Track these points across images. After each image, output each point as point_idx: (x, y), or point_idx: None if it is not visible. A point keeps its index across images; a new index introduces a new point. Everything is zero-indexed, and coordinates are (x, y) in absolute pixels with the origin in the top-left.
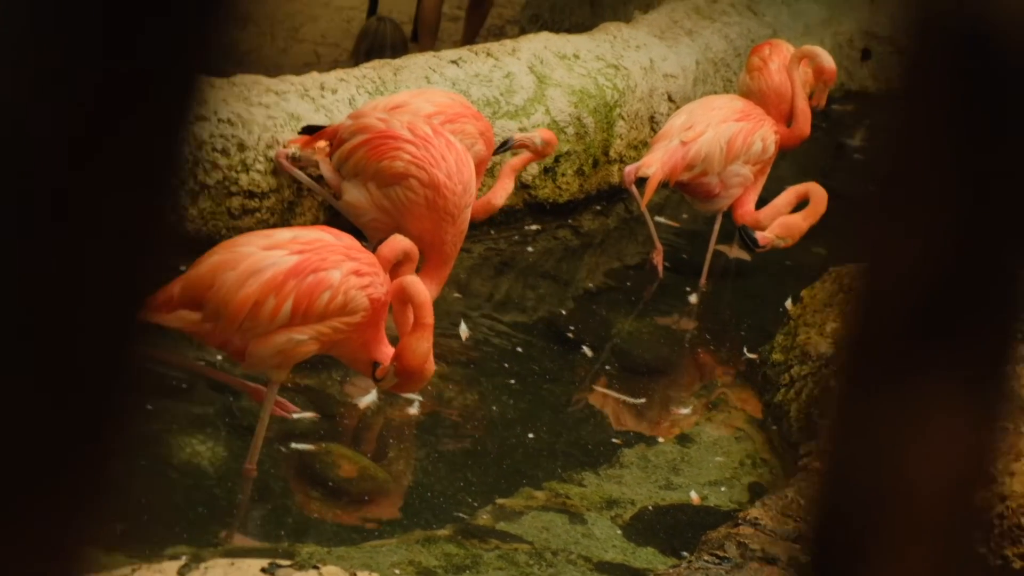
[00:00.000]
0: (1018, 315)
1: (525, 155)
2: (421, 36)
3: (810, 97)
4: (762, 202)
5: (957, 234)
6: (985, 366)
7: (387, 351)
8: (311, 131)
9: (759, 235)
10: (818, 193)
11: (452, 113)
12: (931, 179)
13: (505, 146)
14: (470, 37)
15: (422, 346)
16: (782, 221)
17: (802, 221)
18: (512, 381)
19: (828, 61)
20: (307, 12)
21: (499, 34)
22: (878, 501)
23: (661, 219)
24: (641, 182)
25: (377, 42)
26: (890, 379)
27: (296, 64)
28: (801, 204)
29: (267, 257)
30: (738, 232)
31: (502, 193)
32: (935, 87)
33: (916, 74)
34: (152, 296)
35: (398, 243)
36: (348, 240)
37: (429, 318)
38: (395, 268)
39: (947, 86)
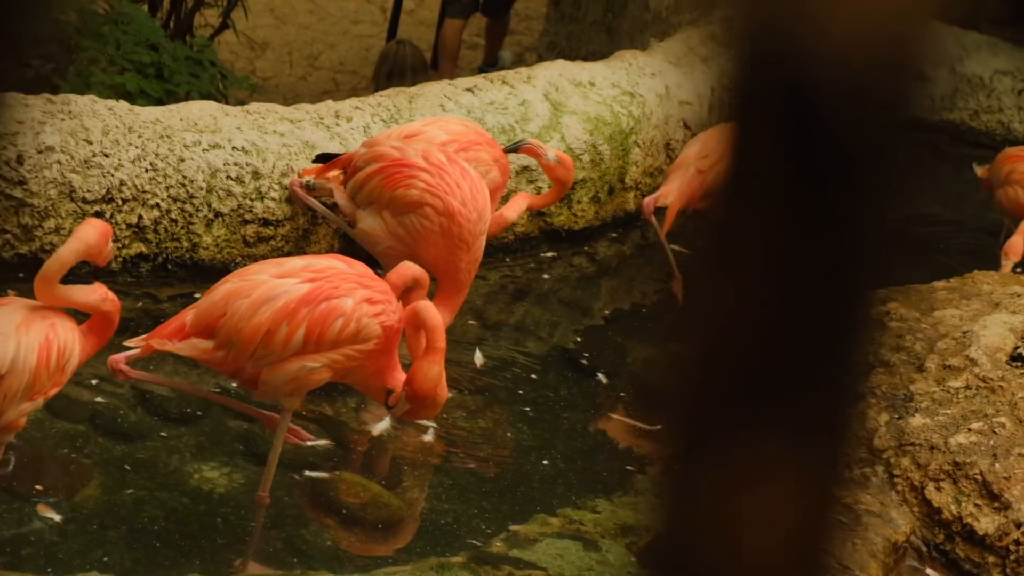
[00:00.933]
0: (851, 376)
1: (547, 194)
2: (441, 63)
3: None
4: None
5: (782, 295)
6: (817, 428)
7: (400, 378)
8: (325, 159)
9: None
10: None
11: (466, 141)
12: (757, 237)
13: (517, 145)
14: (492, 55)
15: (433, 370)
16: None
17: None
18: (527, 408)
19: None
20: (325, 40)
21: (518, 61)
22: (712, 565)
23: (676, 247)
24: (660, 212)
25: (398, 65)
26: (721, 441)
27: (315, 92)
28: None
29: (279, 285)
30: None
31: (515, 208)
32: (760, 143)
33: (743, 127)
34: (165, 324)
35: (407, 270)
36: (361, 268)
37: (441, 342)
38: (405, 294)
39: (771, 141)
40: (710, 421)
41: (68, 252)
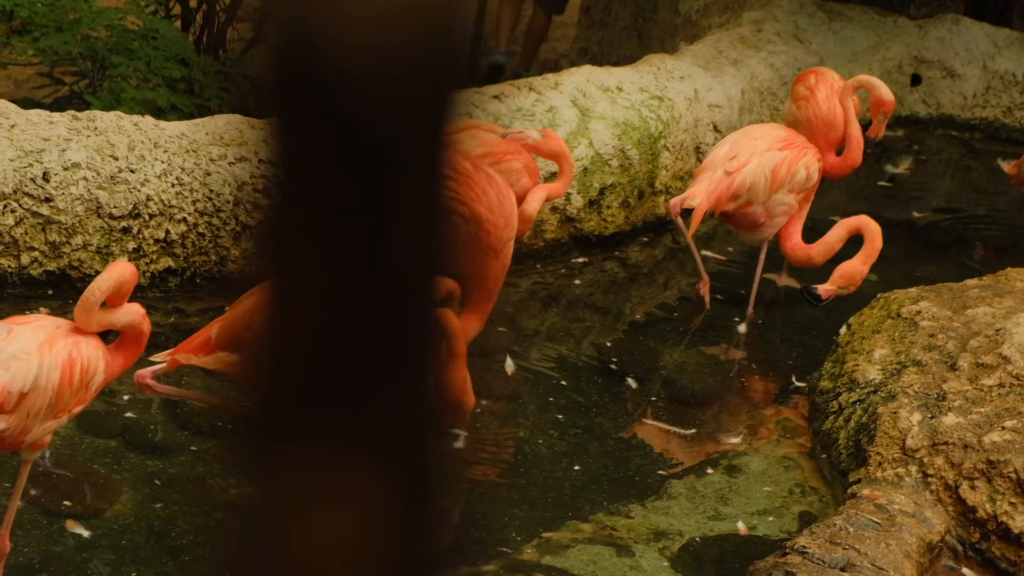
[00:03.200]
0: (415, 382)
1: (557, 178)
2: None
3: (865, 126)
4: (808, 231)
5: (325, 300)
6: (384, 437)
7: None
8: None
9: (822, 289)
10: (871, 230)
11: (499, 152)
12: (299, 239)
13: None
14: (527, 60)
15: (455, 377)
16: (843, 272)
17: (861, 266)
18: (558, 414)
19: (886, 93)
20: None
21: (553, 68)
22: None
23: (708, 252)
24: (687, 213)
25: None
26: (282, 450)
27: None
28: (853, 238)
29: None
30: (802, 291)
31: (534, 200)
32: (297, 140)
33: (280, 124)
34: (191, 338)
35: (439, 284)
36: None
37: (460, 347)
38: None
39: (306, 138)
40: (271, 430)
41: (104, 282)
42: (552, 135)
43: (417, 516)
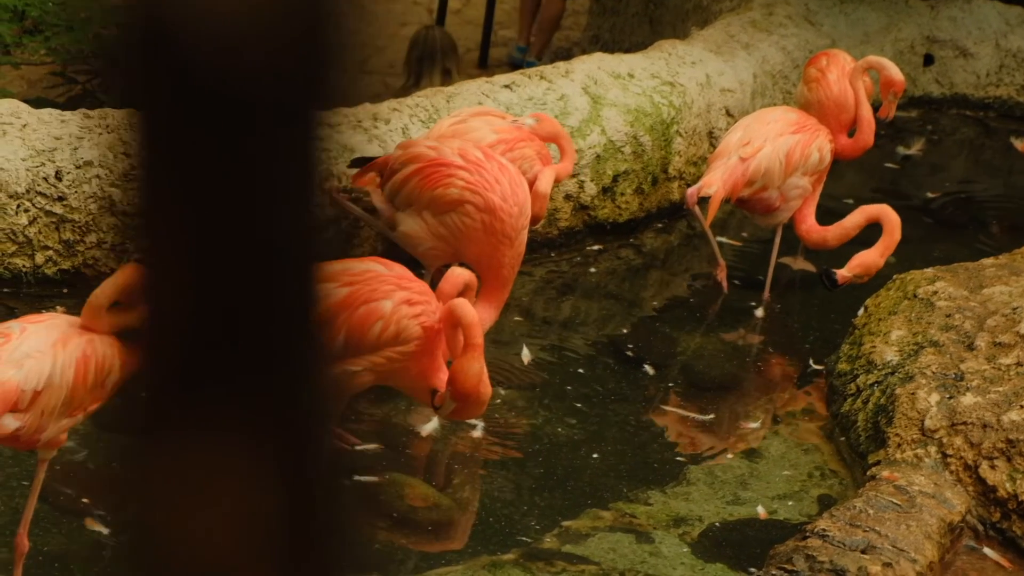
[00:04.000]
0: (301, 364)
1: (562, 162)
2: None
3: (876, 107)
4: (822, 214)
5: (198, 284)
6: (266, 424)
7: (444, 378)
8: (361, 163)
9: (839, 275)
10: (891, 221)
11: (511, 139)
12: (170, 224)
13: None
14: (539, 49)
15: (474, 367)
16: (861, 261)
17: (879, 258)
18: (576, 402)
19: (896, 73)
20: (373, 43)
21: (566, 56)
22: (169, 557)
23: (723, 239)
24: (704, 201)
25: (428, 49)
26: (169, 431)
27: (365, 95)
28: (870, 226)
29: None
30: (821, 273)
31: (545, 180)
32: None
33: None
34: None
35: (458, 277)
36: (399, 270)
37: (478, 339)
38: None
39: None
40: (159, 412)
41: (110, 285)
42: (545, 117)
43: (303, 504)
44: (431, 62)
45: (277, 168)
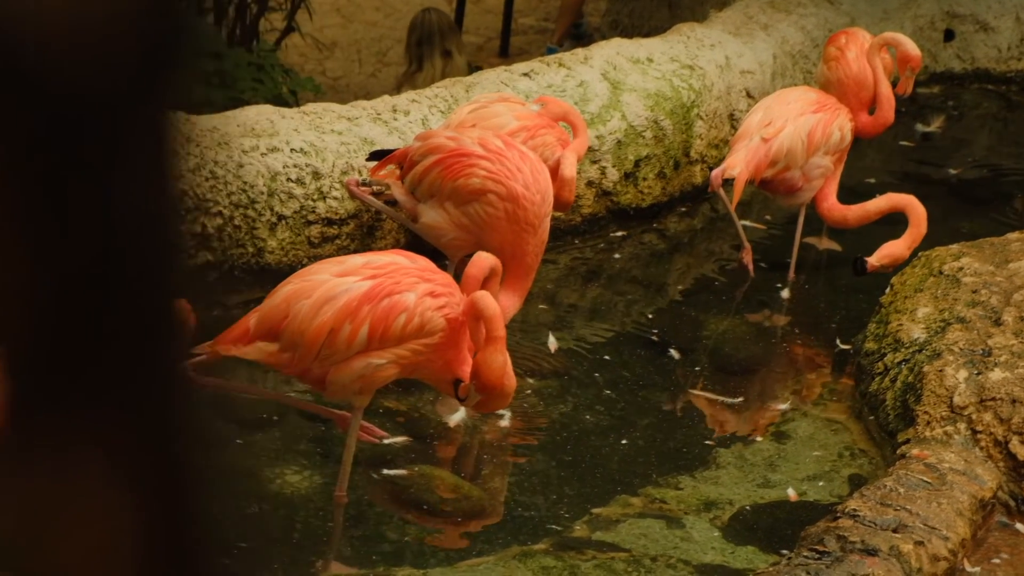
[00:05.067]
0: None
1: (577, 140)
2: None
3: (895, 84)
4: (844, 193)
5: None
6: (122, 438)
7: (470, 369)
8: (379, 156)
9: (869, 264)
10: (918, 214)
11: (532, 126)
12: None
13: None
14: (561, 35)
15: (497, 359)
16: (889, 252)
17: (905, 250)
18: (603, 389)
19: (912, 48)
20: (393, 36)
21: (588, 42)
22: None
23: (747, 222)
24: (728, 184)
25: (426, 31)
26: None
27: (385, 88)
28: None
29: (340, 284)
30: (854, 261)
31: (568, 164)
32: None
33: None
34: (229, 329)
35: (484, 260)
36: (423, 262)
37: (500, 331)
38: (483, 284)
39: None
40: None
41: None
42: (550, 99)
43: (165, 514)
44: (430, 45)
45: (120, 169)
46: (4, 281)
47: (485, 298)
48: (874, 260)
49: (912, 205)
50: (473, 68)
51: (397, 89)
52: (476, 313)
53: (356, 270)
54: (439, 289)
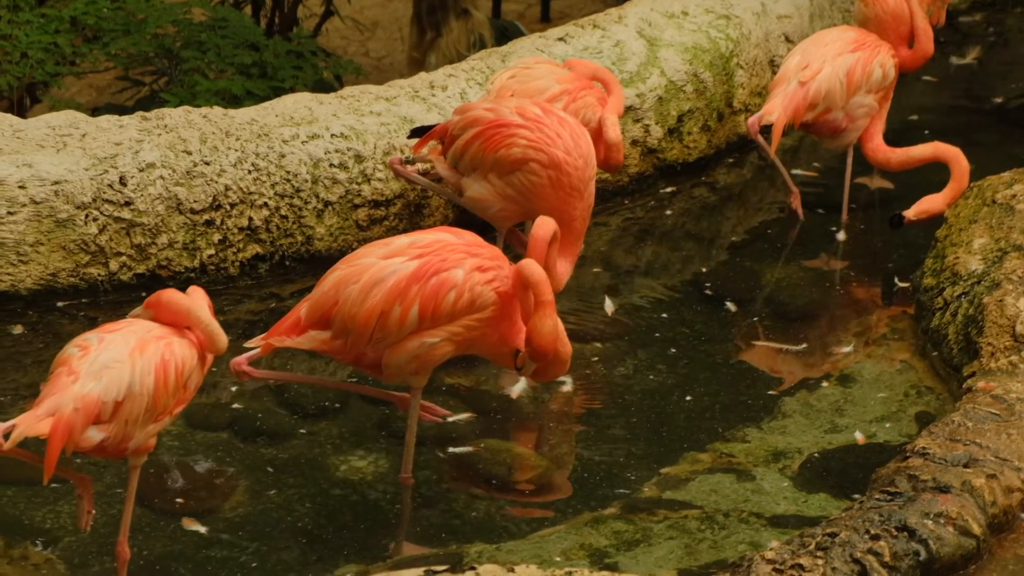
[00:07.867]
0: None
1: (612, 98)
2: None
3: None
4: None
5: None
6: None
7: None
8: (420, 133)
9: (906, 217)
10: (961, 168)
11: (573, 88)
12: None
13: None
14: None
15: (547, 324)
16: (927, 207)
17: (943, 204)
18: (664, 347)
19: None
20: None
21: (622, 3)
22: None
23: (798, 170)
24: (766, 130)
25: None
26: None
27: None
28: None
29: (387, 266)
30: (891, 219)
31: (611, 125)
32: None
33: None
34: (281, 320)
35: (548, 224)
36: (469, 237)
37: (548, 295)
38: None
39: None
40: None
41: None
42: (576, 61)
43: None
44: (444, 9)
45: None
46: None
47: (530, 265)
48: (911, 214)
49: (957, 159)
50: (498, 25)
51: (418, 65)
52: (523, 281)
53: (402, 250)
54: (487, 263)
